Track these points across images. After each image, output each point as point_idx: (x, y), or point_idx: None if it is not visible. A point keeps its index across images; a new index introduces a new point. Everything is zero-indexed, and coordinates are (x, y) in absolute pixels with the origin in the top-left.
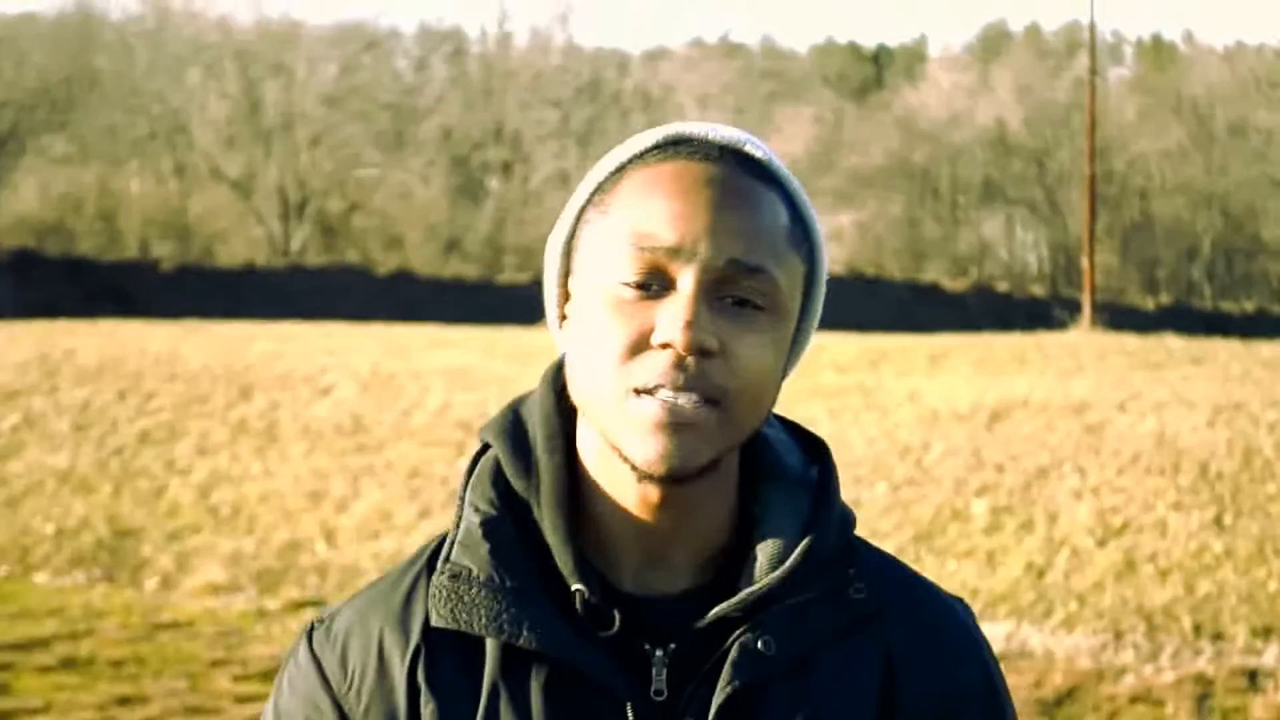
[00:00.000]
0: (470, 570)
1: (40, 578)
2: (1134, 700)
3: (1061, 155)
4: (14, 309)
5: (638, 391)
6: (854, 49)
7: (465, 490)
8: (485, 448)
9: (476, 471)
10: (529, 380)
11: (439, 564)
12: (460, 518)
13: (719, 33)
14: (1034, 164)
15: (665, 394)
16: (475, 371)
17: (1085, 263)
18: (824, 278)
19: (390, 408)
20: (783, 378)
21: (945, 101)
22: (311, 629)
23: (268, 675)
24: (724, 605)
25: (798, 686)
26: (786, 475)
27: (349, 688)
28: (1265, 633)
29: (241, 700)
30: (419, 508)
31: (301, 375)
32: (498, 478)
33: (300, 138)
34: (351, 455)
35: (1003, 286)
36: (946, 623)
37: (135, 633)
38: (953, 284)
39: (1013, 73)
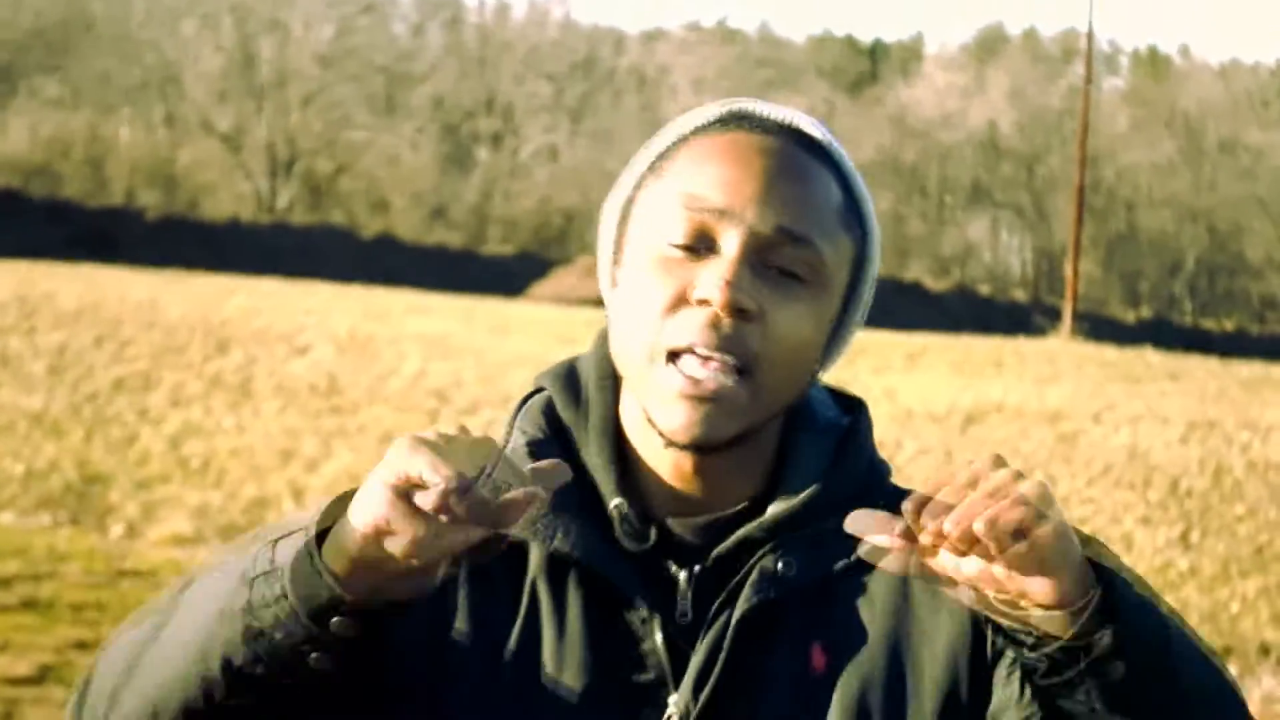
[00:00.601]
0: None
1: (6, 518)
2: None
3: (1051, 161)
4: None
5: (671, 355)
6: (850, 42)
7: (514, 421)
8: (535, 391)
9: (527, 405)
10: (507, 351)
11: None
12: (507, 440)
13: (716, 17)
14: (1023, 168)
15: (700, 350)
16: (453, 340)
17: (1068, 271)
18: (875, 264)
19: (366, 371)
20: (824, 363)
21: (938, 100)
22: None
23: None
24: (747, 528)
25: (816, 610)
26: (819, 423)
27: None
28: (1225, 653)
29: None
30: None
31: (279, 333)
32: (547, 409)
33: (292, 96)
34: (325, 416)
35: (985, 289)
36: None
37: (98, 578)
38: (935, 283)
39: (1007, 76)
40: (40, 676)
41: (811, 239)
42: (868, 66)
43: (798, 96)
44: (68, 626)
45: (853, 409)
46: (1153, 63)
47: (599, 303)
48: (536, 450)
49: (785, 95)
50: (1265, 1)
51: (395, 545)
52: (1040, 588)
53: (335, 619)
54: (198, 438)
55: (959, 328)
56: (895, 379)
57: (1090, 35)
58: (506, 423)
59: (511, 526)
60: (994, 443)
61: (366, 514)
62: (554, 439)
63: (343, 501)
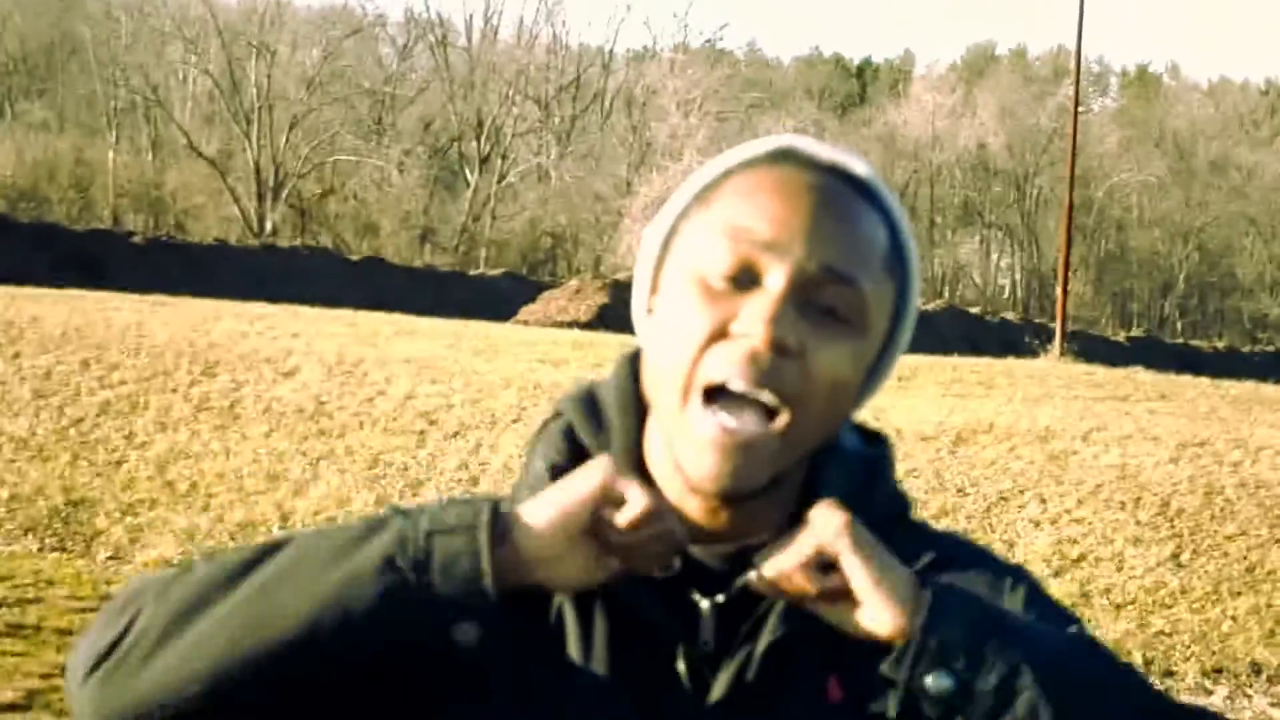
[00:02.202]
0: None
1: None
2: None
3: (1041, 181)
4: None
5: (707, 394)
6: (839, 62)
7: (533, 447)
8: (554, 416)
9: (547, 430)
10: (495, 373)
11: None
12: (528, 466)
13: (704, 37)
14: (1013, 189)
15: (735, 384)
16: (441, 362)
17: (1059, 290)
18: (915, 309)
19: (354, 394)
20: (860, 401)
21: (927, 121)
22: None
23: None
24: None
25: (834, 641)
26: (844, 451)
27: None
28: (1215, 673)
29: None
30: (377, 495)
31: (266, 356)
32: (568, 434)
33: (279, 119)
34: (312, 439)
35: (975, 309)
36: (1000, 578)
37: (84, 603)
38: (925, 304)
39: (996, 96)
40: (27, 703)
41: (857, 280)
42: (856, 87)
43: (786, 118)
44: (54, 652)
45: (875, 441)
46: (1142, 82)
47: (587, 325)
48: (559, 475)
49: (773, 116)
50: (1254, 21)
51: (578, 555)
52: (860, 618)
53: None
54: (185, 461)
55: (949, 348)
56: (885, 399)
57: (1079, 54)
58: (527, 447)
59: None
60: (983, 463)
61: (569, 511)
62: (576, 464)
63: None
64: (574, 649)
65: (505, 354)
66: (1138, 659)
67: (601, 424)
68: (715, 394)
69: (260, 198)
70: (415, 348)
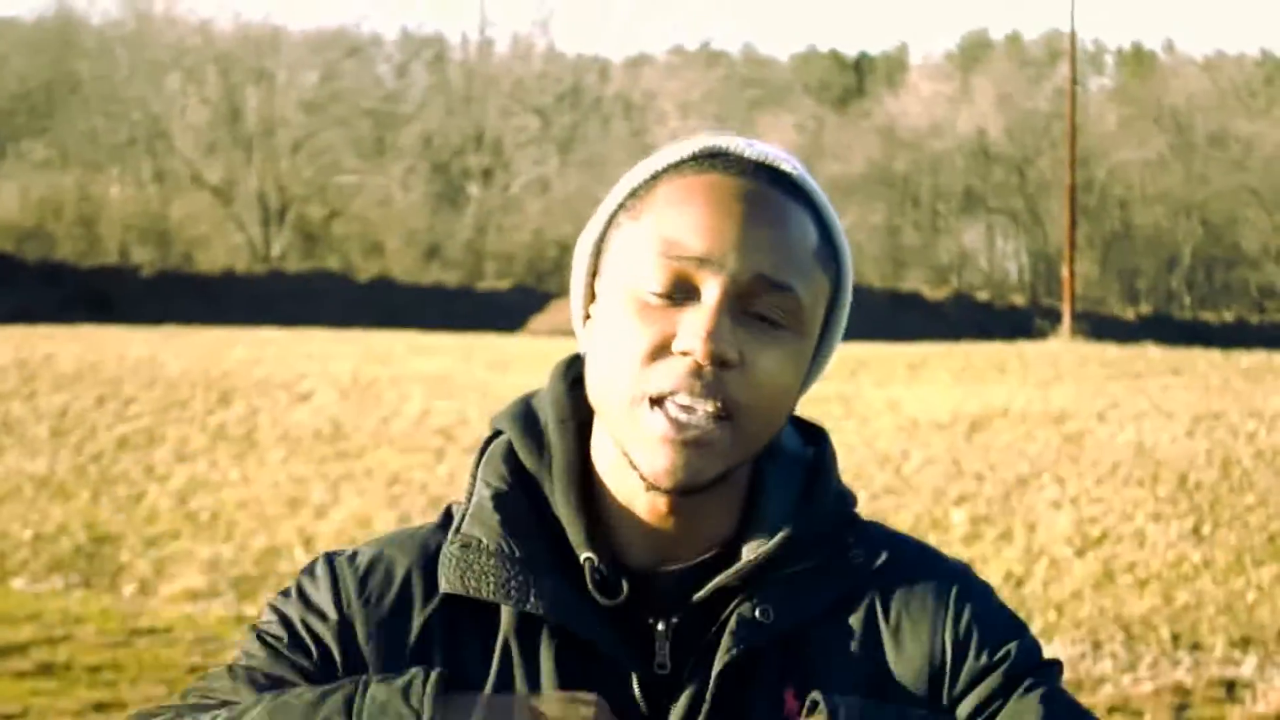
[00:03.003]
0: (480, 540)
1: (18, 583)
2: (1112, 710)
3: (1042, 164)
4: None
5: (653, 401)
6: (835, 57)
7: (476, 470)
8: (495, 435)
9: (488, 452)
10: (509, 386)
11: (449, 535)
12: (471, 492)
13: (700, 40)
14: (1014, 173)
15: (681, 398)
16: (455, 378)
17: (1065, 272)
18: (849, 297)
19: (369, 414)
20: (800, 393)
21: (926, 110)
22: (330, 554)
23: None
24: (721, 576)
25: (790, 655)
26: (784, 456)
27: (363, 604)
28: (1243, 643)
29: None
30: (398, 514)
31: (281, 381)
32: (509, 456)
33: (281, 144)
34: (330, 462)
35: (983, 295)
36: (948, 583)
37: (113, 639)
38: (933, 293)
39: (993, 82)
40: None
41: (791, 285)
42: (853, 80)
43: (785, 114)
44: (86, 689)
45: (815, 438)
46: (1138, 60)
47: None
48: (503, 504)
49: (773, 114)
50: None
51: None
52: None
53: None
54: (205, 491)
55: (959, 335)
56: (898, 390)
57: (1073, 35)
58: (470, 473)
59: None
60: (1000, 447)
61: None
62: (520, 489)
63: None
64: (520, 681)
65: (518, 366)
66: (1165, 634)
67: (541, 442)
68: (662, 399)
69: (265, 223)
70: (428, 365)
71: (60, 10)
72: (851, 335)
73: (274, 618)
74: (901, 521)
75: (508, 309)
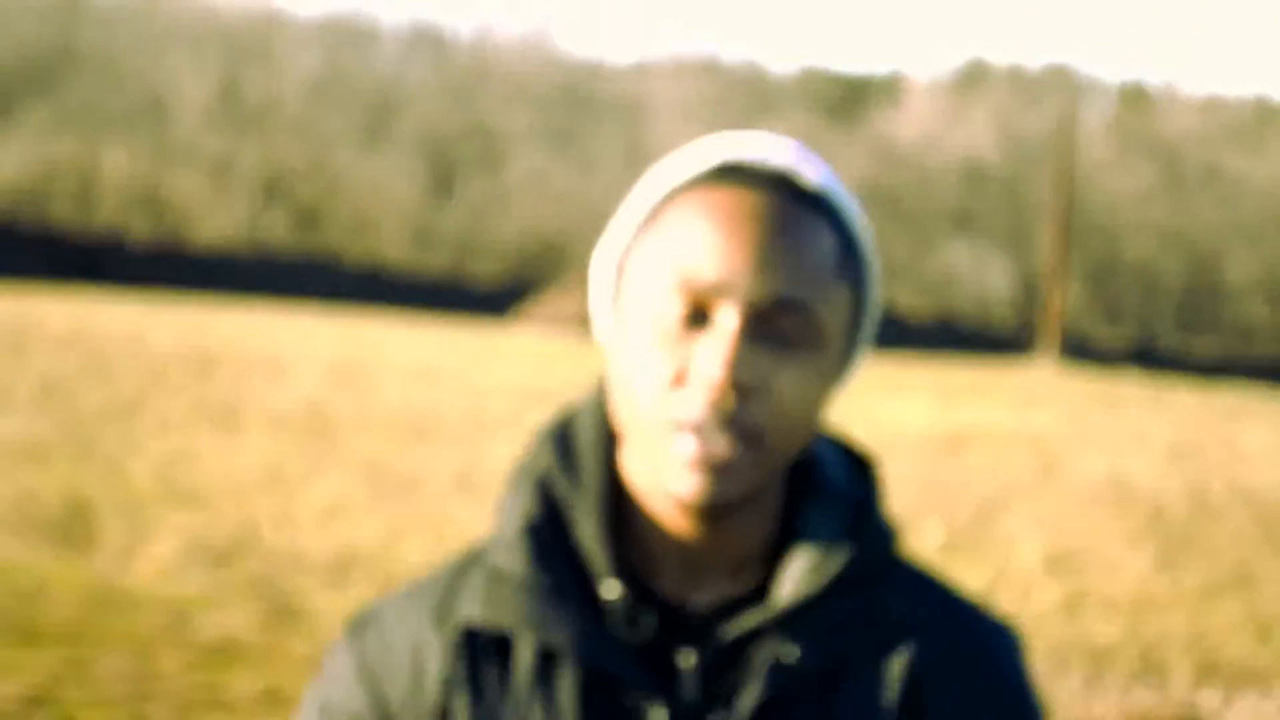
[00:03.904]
0: (506, 569)
1: None
2: None
3: (1034, 189)
4: None
5: (678, 427)
6: (835, 76)
7: (510, 492)
8: (535, 452)
9: (522, 473)
10: (492, 377)
11: (480, 562)
12: (502, 519)
13: (702, 53)
14: (1006, 196)
15: (704, 427)
16: (439, 366)
17: (1051, 297)
18: (876, 303)
19: (352, 396)
20: (828, 403)
21: (922, 128)
22: (353, 624)
23: (216, 654)
24: (755, 615)
25: (823, 700)
26: (828, 490)
27: (385, 683)
28: (1208, 675)
29: (189, 679)
30: (375, 497)
31: (265, 359)
32: (543, 481)
33: (279, 125)
34: (310, 441)
35: (967, 315)
36: (984, 647)
37: (85, 605)
38: (917, 310)
39: (990, 104)
40: (29, 704)
41: (810, 304)
42: (851, 96)
43: (781, 125)
44: (55, 654)
45: (863, 468)
46: (1136, 95)
47: (582, 329)
48: (530, 532)
49: (768, 124)
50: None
51: None
52: None
53: None
54: (184, 464)
55: (941, 354)
56: (877, 405)
57: (1071, 70)
58: (503, 495)
59: None
60: (975, 467)
61: None
62: (549, 516)
63: None
64: (539, 712)
65: (501, 358)
66: (1131, 661)
67: (574, 464)
68: (685, 427)
69: (259, 202)
70: (412, 352)
71: None
72: None
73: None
74: None
75: (495, 300)
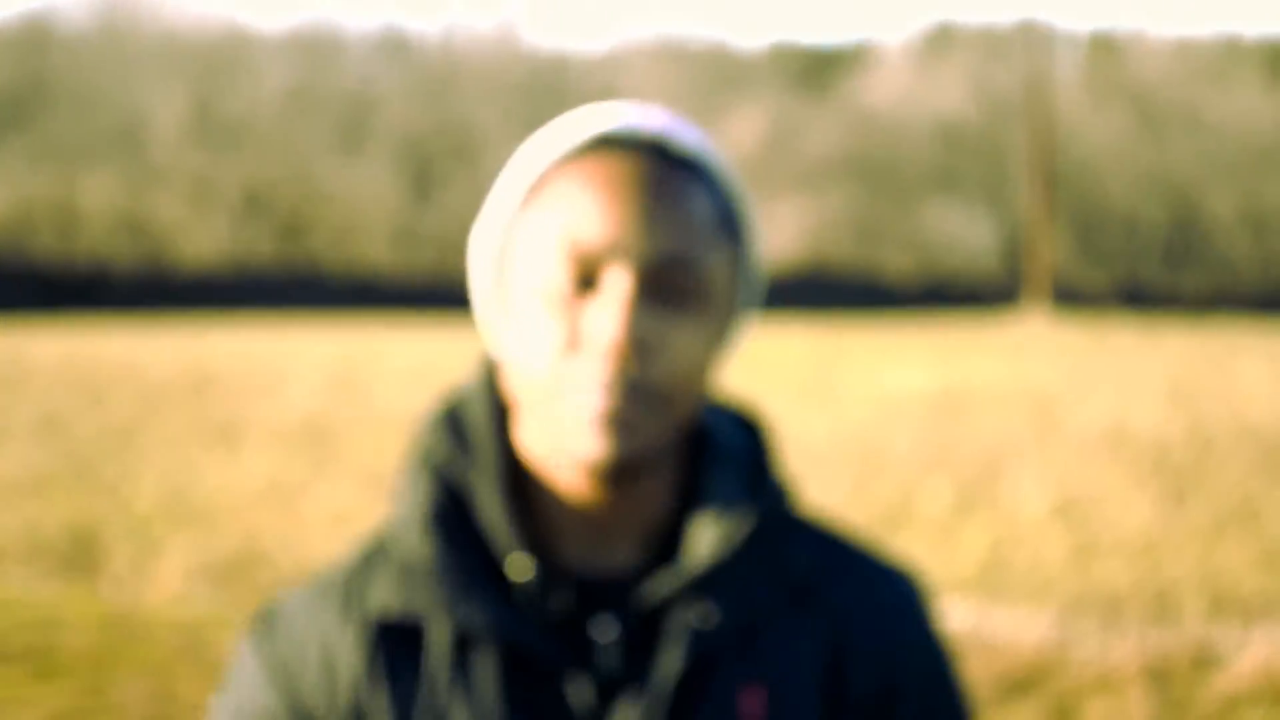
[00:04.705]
0: (414, 556)
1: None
2: (1093, 682)
3: (1011, 144)
4: None
5: (572, 392)
6: (804, 49)
7: (406, 478)
8: (423, 438)
9: (417, 459)
10: None
11: (380, 550)
12: (401, 505)
13: (669, 35)
14: (985, 153)
15: (599, 388)
16: (433, 369)
17: (1037, 250)
18: (757, 260)
19: (349, 406)
20: (719, 359)
21: (894, 93)
22: (257, 621)
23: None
24: (668, 579)
25: (744, 660)
26: (726, 452)
27: (296, 679)
28: (1223, 610)
29: (205, 700)
30: (379, 506)
31: (260, 374)
32: (437, 464)
33: (255, 139)
34: (311, 452)
35: (955, 275)
36: (888, 592)
37: (96, 632)
38: (906, 273)
39: (961, 64)
40: None
41: (694, 262)
42: (822, 68)
43: (754, 99)
44: (70, 682)
45: (753, 429)
46: (1106, 44)
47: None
48: (432, 516)
49: (741, 98)
50: None
51: None
52: None
53: None
54: (187, 483)
55: (932, 314)
56: (875, 369)
57: (1040, 24)
58: (399, 482)
59: None
60: (974, 424)
61: None
62: (449, 500)
63: None
64: (457, 703)
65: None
66: (1145, 605)
67: (467, 447)
68: (581, 390)
69: (242, 218)
70: (406, 357)
71: (34, 13)
72: (826, 317)
73: None
74: (880, 498)
75: None
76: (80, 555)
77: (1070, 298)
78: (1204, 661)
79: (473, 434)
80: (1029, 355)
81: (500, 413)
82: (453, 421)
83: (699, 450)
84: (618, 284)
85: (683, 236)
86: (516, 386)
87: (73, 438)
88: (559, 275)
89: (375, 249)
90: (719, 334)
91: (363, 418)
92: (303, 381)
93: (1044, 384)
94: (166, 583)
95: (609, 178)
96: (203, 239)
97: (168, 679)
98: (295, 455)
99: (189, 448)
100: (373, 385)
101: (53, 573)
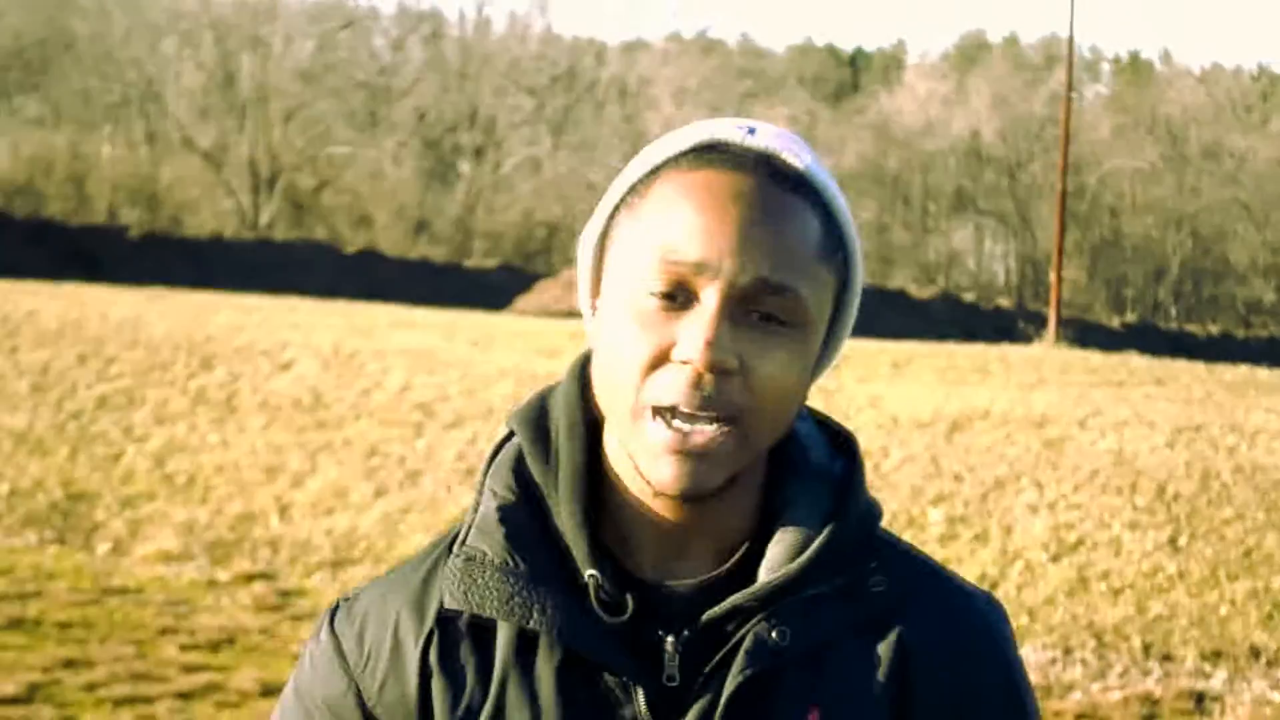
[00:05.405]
0: (485, 554)
1: None
2: (1080, 717)
3: (1034, 168)
4: None
5: (655, 410)
6: (831, 51)
7: (485, 476)
8: (509, 436)
9: (498, 458)
10: (491, 364)
11: (455, 547)
12: (478, 503)
13: (697, 28)
14: (1006, 176)
15: (683, 409)
16: (437, 354)
17: (1053, 277)
18: (858, 286)
19: (351, 386)
20: (810, 384)
21: (920, 109)
22: (335, 608)
23: (215, 645)
24: (739, 595)
25: (810, 678)
26: (810, 469)
27: (364, 667)
28: (1214, 656)
29: (188, 669)
30: (375, 486)
31: (263, 349)
32: (518, 465)
33: (273, 112)
34: (310, 431)
35: (969, 296)
36: (967, 619)
37: (84, 597)
38: (919, 291)
39: (989, 84)
40: (29, 696)
41: (791, 286)
42: (849, 75)
43: (779, 106)
44: (55, 646)
45: (845, 449)
46: (1134, 68)
47: (581, 315)
48: (507, 517)
49: (766, 105)
50: (1245, 7)
51: None
52: None
53: None
54: (182, 454)
55: (944, 335)
56: (881, 387)
57: (1071, 41)
58: (478, 480)
59: None
60: (979, 449)
61: None
62: (525, 500)
63: None
64: (518, 704)
65: (501, 344)
66: (1136, 643)
67: (550, 451)
68: (665, 409)
69: (255, 190)
70: (411, 339)
71: None
72: None
73: (293, 703)
74: None
75: (494, 287)
76: (71, 520)
77: (1083, 328)
78: (1192, 705)
79: (555, 436)
80: (1038, 384)
81: (589, 417)
82: (538, 421)
83: (784, 464)
84: (707, 301)
85: (781, 260)
86: (601, 399)
87: (71, 400)
88: (651, 284)
89: (387, 229)
90: (811, 358)
91: (362, 400)
92: (306, 358)
93: (1051, 413)
94: (155, 552)
95: (712, 192)
96: (214, 208)
97: (150, 647)
98: (293, 432)
99: (187, 418)
100: (375, 368)
101: (43, 534)
